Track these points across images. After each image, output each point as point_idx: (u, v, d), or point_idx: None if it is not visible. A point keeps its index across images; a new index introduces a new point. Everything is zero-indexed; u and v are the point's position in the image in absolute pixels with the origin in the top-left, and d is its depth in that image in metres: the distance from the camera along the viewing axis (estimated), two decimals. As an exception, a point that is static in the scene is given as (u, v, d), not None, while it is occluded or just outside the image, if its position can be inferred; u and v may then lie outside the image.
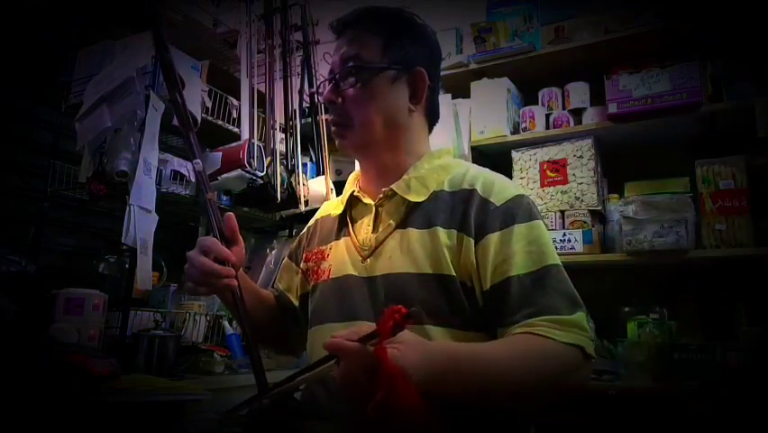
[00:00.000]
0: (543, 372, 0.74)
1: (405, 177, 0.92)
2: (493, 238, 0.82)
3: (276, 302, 1.09)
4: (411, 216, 0.89)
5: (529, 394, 0.75)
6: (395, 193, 0.91)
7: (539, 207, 1.57)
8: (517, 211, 0.84)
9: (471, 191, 0.88)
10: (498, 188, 0.88)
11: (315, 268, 0.98)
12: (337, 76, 0.92)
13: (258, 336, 0.94)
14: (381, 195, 0.92)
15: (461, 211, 0.86)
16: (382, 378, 0.57)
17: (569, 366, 0.75)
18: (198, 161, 0.92)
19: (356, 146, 0.94)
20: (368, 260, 0.90)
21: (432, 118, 1.01)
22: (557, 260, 0.83)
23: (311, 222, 1.11)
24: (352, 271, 0.91)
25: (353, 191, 0.98)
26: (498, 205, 0.85)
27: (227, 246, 0.89)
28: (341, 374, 0.62)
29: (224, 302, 0.97)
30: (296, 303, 1.06)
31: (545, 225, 0.87)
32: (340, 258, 0.94)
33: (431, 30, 0.99)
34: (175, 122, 1.69)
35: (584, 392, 1.64)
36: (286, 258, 1.13)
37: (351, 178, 1.04)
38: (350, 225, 0.97)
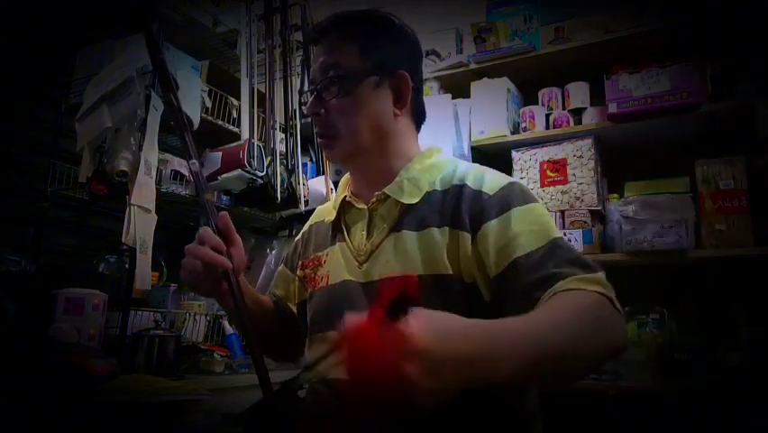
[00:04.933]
0: (593, 324, 0.66)
1: (397, 179, 0.91)
2: (492, 225, 0.81)
3: (275, 308, 1.08)
4: (404, 218, 0.89)
5: (585, 357, 0.66)
6: (388, 196, 0.90)
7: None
8: (512, 197, 0.83)
9: (462, 186, 0.87)
10: (489, 178, 0.87)
11: (312, 275, 0.98)
12: (319, 86, 0.91)
13: (259, 335, 0.93)
14: (374, 199, 0.92)
15: (453, 207, 0.85)
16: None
17: (615, 315, 0.70)
18: (195, 161, 0.91)
19: (344, 156, 0.94)
20: (364, 265, 0.89)
21: (419, 119, 0.99)
22: (561, 234, 0.81)
23: (305, 228, 1.10)
24: (349, 277, 0.90)
25: (345, 196, 0.98)
26: (491, 194, 0.84)
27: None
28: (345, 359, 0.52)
29: (225, 307, 0.96)
30: (294, 310, 1.06)
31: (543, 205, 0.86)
32: (336, 264, 0.94)
33: (409, 28, 0.97)
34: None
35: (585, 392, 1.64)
36: (282, 265, 1.12)
37: (342, 182, 1.03)
38: (344, 230, 0.96)
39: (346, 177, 1.03)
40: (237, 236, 0.91)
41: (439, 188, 0.89)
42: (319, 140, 0.94)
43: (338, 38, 0.91)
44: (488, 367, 0.54)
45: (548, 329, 0.62)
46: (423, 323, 0.51)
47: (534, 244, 0.78)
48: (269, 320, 1.05)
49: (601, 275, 0.74)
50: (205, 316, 1.85)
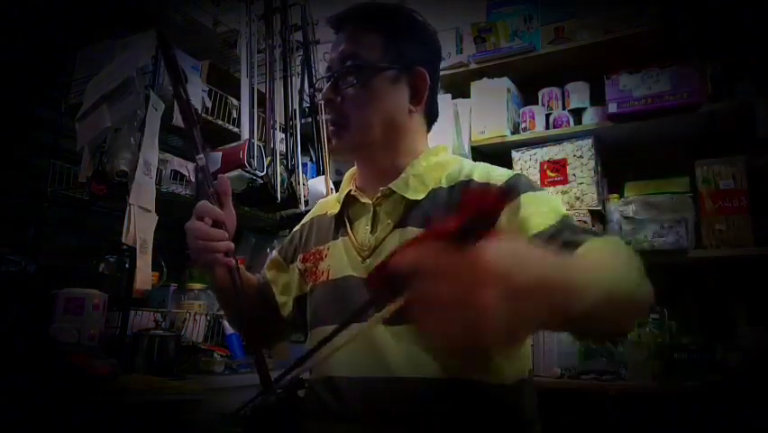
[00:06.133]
0: (629, 263, 0.63)
1: (403, 175, 0.91)
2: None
3: (258, 291, 1.08)
4: (410, 214, 0.88)
5: (637, 295, 0.61)
6: (393, 192, 0.90)
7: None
8: (520, 185, 0.83)
9: (469, 182, 0.87)
10: (496, 172, 0.88)
11: (314, 269, 0.97)
12: (336, 74, 0.90)
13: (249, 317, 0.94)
14: (379, 194, 0.91)
15: (459, 203, 0.85)
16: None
17: (640, 266, 0.64)
18: (202, 156, 0.92)
19: (352, 147, 0.93)
20: (368, 260, 0.89)
21: (431, 118, 0.99)
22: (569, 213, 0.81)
23: (305, 219, 1.09)
24: (351, 272, 0.90)
25: (350, 190, 0.97)
26: (499, 185, 0.85)
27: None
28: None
29: (218, 281, 0.95)
30: (277, 298, 1.06)
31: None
32: (339, 259, 0.93)
33: (432, 28, 0.97)
34: (176, 121, 1.71)
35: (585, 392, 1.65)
36: (275, 252, 1.12)
37: (347, 176, 1.02)
38: (347, 224, 0.96)
39: (352, 171, 1.02)
40: (230, 201, 0.93)
41: (445, 186, 0.89)
42: (330, 128, 0.93)
43: (360, 28, 0.91)
44: (565, 298, 0.47)
45: (613, 264, 0.60)
46: (500, 245, 0.43)
47: (547, 223, 0.76)
48: (253, 302, 1.05)
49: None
50: (206, 316, 1.85)
